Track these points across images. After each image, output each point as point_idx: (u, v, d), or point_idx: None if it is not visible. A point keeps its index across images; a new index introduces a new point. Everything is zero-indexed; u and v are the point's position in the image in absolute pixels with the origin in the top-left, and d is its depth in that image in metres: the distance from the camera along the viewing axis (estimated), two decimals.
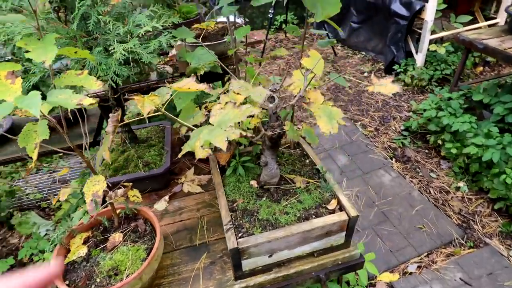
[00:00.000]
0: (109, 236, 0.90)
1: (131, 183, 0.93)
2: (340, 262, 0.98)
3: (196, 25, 1.02)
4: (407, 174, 2.27)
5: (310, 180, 1.02)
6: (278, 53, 1.06)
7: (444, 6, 3.04)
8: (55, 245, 0.86)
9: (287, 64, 3.97)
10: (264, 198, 0.97)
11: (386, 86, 0.87)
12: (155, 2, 1.27)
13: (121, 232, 0.92)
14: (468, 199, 2.06)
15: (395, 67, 3.37)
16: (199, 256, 0.99)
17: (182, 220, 1.12)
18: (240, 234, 0.87)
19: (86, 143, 0.82)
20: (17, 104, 0.50)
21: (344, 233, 0.94)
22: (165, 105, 0.73)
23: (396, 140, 2.56)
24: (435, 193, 2.12)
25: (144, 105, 0.60)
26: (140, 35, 0.87)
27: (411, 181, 2.22)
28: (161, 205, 1.17)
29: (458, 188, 2.13)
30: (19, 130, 0.61)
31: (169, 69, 1.68)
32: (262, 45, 4.20)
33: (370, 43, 3.95)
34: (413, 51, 3.34)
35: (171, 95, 0.78)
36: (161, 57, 1.73)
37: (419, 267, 1.70)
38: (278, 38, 4.69)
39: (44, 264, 0.28)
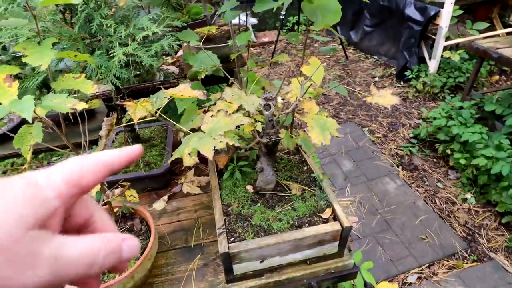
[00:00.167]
0: None
1: (129, 183, 0.95)
2: (332, 271, 0.98)
3: (197, 30, 1.03)
4: (413, 183, 2.24)
5: (306, 188, 1.02)
6: (280, 59, 1.06)
7: (460, 12, 2.98)
8: None
9: (297, 66, 3.95)
10: (259, 204, 0.97)
11: (385, 97, 0.87)
12: (161, 4, 1.29)
13: None
14: (474, 212, 2.02)
15: (407, 72, 3.32)
16: (193, 257, 1.00)
17: (179, 220, 1.13)
18: (232, 239, 0.87)
19: (85, 141, 0.84)
20: (10, 108, 0.52)
21: (337, 243, 0.93)
22: (161, 108, 0.74)
23: (404, 148, 2.53)
24: (441, 204, 2.08)
25: (135, 111, 0.61)
26: (141, 38, 0.89)
27: (417, 190, 2.18)
28: (159, 204, 1.19)
29: (465, 200, 2.09)
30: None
31: (175, 69, 1.70)
32: (273, 46, 4.20)
33: (383, 47, 3.90)
34: (426, 57, 3.28)
35: (169, 99, 0.79)
36: (167, 57, 1.75)
37: (419, 278, 1.67)
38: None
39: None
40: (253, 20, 4.67)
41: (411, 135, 2.66)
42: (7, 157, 1.51)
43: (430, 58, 3.23)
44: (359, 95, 3.31)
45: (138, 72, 1.21)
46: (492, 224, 1.92)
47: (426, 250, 1.79)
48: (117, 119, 1.40)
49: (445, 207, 2.05)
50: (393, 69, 3.66)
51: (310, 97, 0.74)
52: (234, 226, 0.91)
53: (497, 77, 3.34)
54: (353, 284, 1.49)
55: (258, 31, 5.02)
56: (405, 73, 3.34)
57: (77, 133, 1.31)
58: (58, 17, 1.00)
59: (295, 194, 1.00)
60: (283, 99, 0.99)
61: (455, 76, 3.09)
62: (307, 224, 0.91)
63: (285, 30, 4.82)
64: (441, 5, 2.95)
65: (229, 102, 0.67)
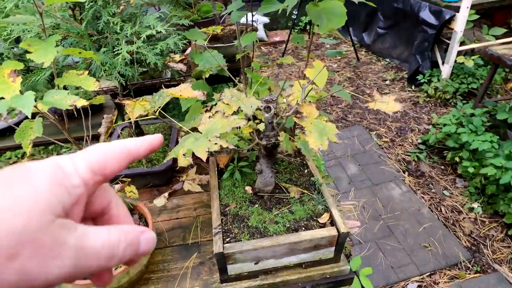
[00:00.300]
0: None
1: (129, 179, 0.96)
2: (328, 276, 0.97)
3: (203, 29, 1.04)
4: (418, 190, 2.20)
5: (305, 191, 1.02)
6: (284, 61, 1.06)
7: (476, 17, 2.91)
8: None
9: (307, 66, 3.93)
10: (257, 205, 0.97)
11: (388, 104, 0.86)
12: (169, 2, 1.30)
13: None
14: (481, 222, 1.98)
15: (419, 77, 3.27)
16: (189, 255, 1.01)
17: (179, 218, 1.14)
18: (228, 239, 0.88)
19: (88, 136, 0.85)
20: (11, 104, 0.53)
21: (333, 248, 0.93)
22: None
23: (412, 153, 2.49)
24: (446, 212, 2.05)
25: (133, 110, 0.62)
26: (144, 38, 0.90)
27: (422, 197, 2.15)
28: (160, 201, 1.20)
29: (471, 209, 2.05)
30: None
31: (183, 67, 1.71)
32: (284, 45, 4.18)
33: (395, 50, 3.85)
34: (440, 61, 3.22)
35: (170, 98, 0.80)
36: (175, 55, 1.76)
37: (419, 286, 1.65)
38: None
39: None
40: (265, 19, 4.66)
41: (419, 140, 2.62)
42: (16, 148, 1.54)
43: (443, 63, 3.17)
44: (367, 99, 3.28)
45: (144, 70, 1.23)
46: (498, 235, 1.88)
47: (428, 259, 1.76)
48: (122, 115, 1.42)
49: (451, 216, 2.02)
50: (404, 72, 3.61)
51: (310, 101, 0.74)
52: (231, 226, 0.92)
53: None
54: None
55: (270, 30, 5.00)
56: (417, 77, 3.29)
57: (84, 126, 1.34)
58: (68, 14, 1.02)
59: (294, 197, 0.99)
60: (288, 104, 0.99)
61: (468, 82, 3.02)
62: (303, 228, 0.91)
63: (297, 30, 4.79)
64: (457, 9, 2.89)
65: (227, 104, 0.67)
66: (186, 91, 0.70)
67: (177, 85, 0.84)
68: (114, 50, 0.90)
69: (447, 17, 2.94)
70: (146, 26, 1.02)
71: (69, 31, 0.95)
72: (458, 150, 2.30)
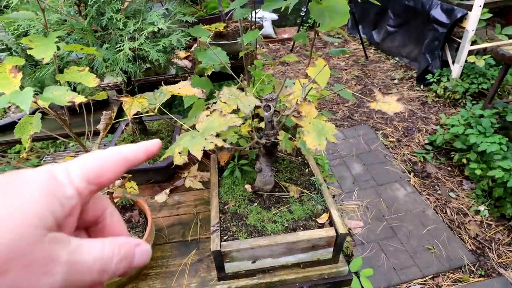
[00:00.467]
0: None
1: (130, 175, 0.97)
2: (326, 277, 0.97)
3: (205, 26, 1.03)
4: (424, 191, 2.18)
5: (305, 191, 1.01)
6: (287, 59, 1.05)
7: (489, 15, 2.85)
8: None
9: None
10: (256, 204, 0.97)
11: (390, 104, 0.84)
12: None
13: None
14: (487, 225, 1.94)
15: (428, 76, 3.22)
16: (188, 251, 1.02)
17: (179, 214, 1.15)
18: (225, 237, 0.88)
19: (89, 131, 0.86)
20: (10, 99, 0.54)
21: (331, 249, 0.92)
22: (160, 105, 0.75)
23: (418, 154, 2.46)
24: (452, 214, 2.02)
25: (131, 107, 0.62)
26: (145, 34, 0.90)
27: (428, 198, 2.12)
28: (161, 197, 1.21)
29: (477, 212, 2.02)
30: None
31: (188, 64, 1.71)
32: (292, 42, 4.15)
33: (405, 48, 3.79)
34: (450, 61, 3.16)
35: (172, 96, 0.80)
36: (179, 52, 1.76)
37: None
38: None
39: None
40: (274, 16, 4.63)
41: (426, 141, 2.58)
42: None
43: (453, 62, 3.11)
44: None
45: (148, 66, 1.23)
46: (504, 239, 1.85)
47: (432, 261, 1.74)
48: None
49: (456, 218, 1.99)
50: (414, 71, 3.56)
51: (309, 101, 0.73)
52: (229, 224, 0.92)
53: None
54: None
55: (278, 27, 4.97)
56: (426, 76, 3.24)
57: (92, 121, 1.35)
58: (73, 10, 1.03)
59: (293, 196, 0.99)
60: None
61: (479, 83, 2.96)
62: (301, 228, 0.91)
63: (305, 27, 4.75)
64: (470, 7, 2.83)
65: (225, 103, 0.67)
66: (185, 89, 0.70)
67: (182, 81, 0.84)
68: (117, 46, 0.91)
69: (459, 15, 2.88)
70: (150, 22, 1.02)
71: (73, 27, 0.96)
72: (466, 152, 2.26)
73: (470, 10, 2.82)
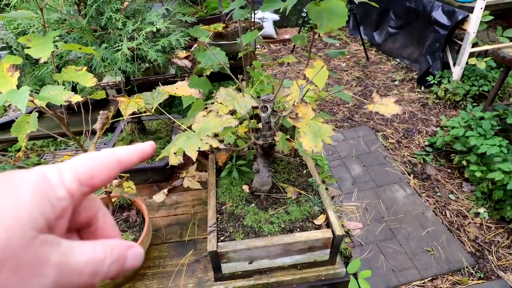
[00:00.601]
0: None
1: (127, 174, 0.97)
2: (323, 278, 0.97)
3: (204, 27, 1.03)
4: (423, 193, 2.17)
5: (303, 192, 1.01)
6: (286, 60, 1.05)
7: (490, 18, 2.84)
8: None
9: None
10: (253, 205, 0.97)
11: (388, 106, 0.84)
12: None
13: None
14: (486, 227, 1.94)
15: (429, 78, 3.21)
16: (185, 252, 1.02)
17: (176, 214, 1.15)
18: (222, 238, 0.88)
19: (87, 130, 0.86)
20: (7, 98, 0.54)
21: (328, 250, 0.92)
22: (157, 105, 0.75)
23: (418, 156, 2.46)
24: (451, 216, 2.01)
25: (127, 107, 0.62)
26: (144, 34, 0.90)
27: (427, 200, 2.12)
28: (159, 197, 1.21)
29: (477, 214, 2.01)
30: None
31: (188, 63, 1.71)
32: (293, 43, 4.15)
33: (406, 50, 3.78)
34: (451, 63, 3.16)
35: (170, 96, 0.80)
36: (179, 51, 1.76)
37: None
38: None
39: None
40: (275, 16, 4.63)
41: (426, 143, 2.58)
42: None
43: (454, 64, 3.11)
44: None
45: (147, 65, 1.23)
46: (504, 242, 1.85)
47: (431, 263, 1.74)
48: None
49: (456, 220, 1.98)
50: (414, 73, 3.55)
51: (306, 102, 0.73)
52: (226, 225, 0.92)
53: None
54: None
55: (280, 28, 4.97)
56: (427, 78, 3.23)
57: (93, 119, 1.35)
58: (72, 9, 1.03)
59: (290, 197, 0.99)
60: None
61: (480, 85, 2.95)
62: (298, 229, 0.91)
63: (307, 28, 4.75)
64: (471, 9, 2.82)
65: (221, 103, 0.67)
66: (182, 89, 0.70)
67: (181, 81, 0.84)
68: (115, 46, 0.91)
69: (460, 17, 2.87)
70: (149, 22, 1.02)
71: (73, 26, 0.96)
72: (466, 154, 2.25)
73: (471, 12, 2.81)
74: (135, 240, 0.91)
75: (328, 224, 0.92)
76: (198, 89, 0.72)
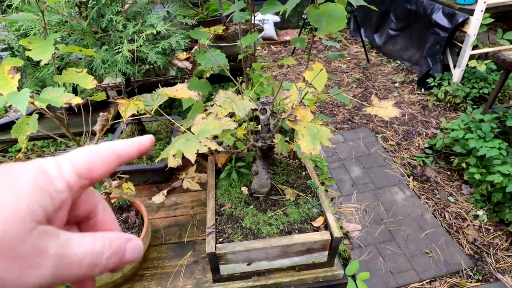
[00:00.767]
0: None
1: (127, 175, 0.97)
2: (321, 280, 0.97)
3: (204, 29, 1.04)
4: (422, 195, 2.18)
5: (301, 194, 1.01)
6: (285, 62, 1.05)
7: (491, 20, 2.84)
8: None
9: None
10: (252, 206, 0.98)
11: (386, 109, 0.85)
12: (175, 1, 1.31)
13: None
14: (485, 230, 1.94)
15: (429, 80, 3.22)
16: (184, 253, 1.02)
17: (176, 215, 1.15)
18: (221, 239, 0.89)
19: (87, 131, 0.87)
20: (7, 100, 0.55)
21: (326, 252, 0.92)
22: (157, 107, 0.76)
23: (417, 158, 2.46)
24: (450, 218, 2.02)
25: (127, 109, 0.63)
26: (144, 37, 0.91)
27: (426, 202, 2.12)
28: (158, 198, 1.22)
29: (476, 217, 2.01)
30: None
31: (188, 65, 1.72)
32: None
33: (407, 52, 3.79)
34: (451, 65, 3.16)
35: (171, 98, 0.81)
36: (183, 52, 1.76)
37: None
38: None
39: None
40: (276, 18, 4.64)
41: (426, 145, 2.58)
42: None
43: (454, 67, 3.11)
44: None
45: (147, 67, 1.24)
46: (502, 244, 1.85)
47: (429, 265, 1.74)
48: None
49: (454, 223, 1.99)
50: (415, 75, 3.56)
51: (305, 105, 0.73)
52: (225, 226, 0.92)
53: None
54: None
55: (280, 29, 4.98)
56: (427, 80, 3.24)
57: (93, 119, 1.35)
58: (74, 11, 1.04)
59: (289, 199, 0.99)
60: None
61: (480, 87, 2.96)
62: (297, 231, 0.91)
63: (307, 29, 4.75)
64: (471, 12, 2.83)
65: (220, 106, 0.67)
66: (181, 91, 0.71)
67: (182, 83, 0.84)
68: (116, 48, 0.91)
69: (460, 20, 2.88)
70: (150, 25, 1.03)
71: (73, 28, 0.97)
72: (465, 156, 2.26)
73: (472, 15, 2.82)
74: None
75: (326, 226, 0.93)
76: (197, 91, 0.73)
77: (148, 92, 0.87)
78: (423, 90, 3.32)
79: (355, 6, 0.83)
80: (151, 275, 0.96)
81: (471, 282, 1.67)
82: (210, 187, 1.04)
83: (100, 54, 0.90)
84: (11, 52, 1.39)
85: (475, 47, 2.98)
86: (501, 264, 1.75)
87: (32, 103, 0.63)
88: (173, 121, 0.88)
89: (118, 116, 1.68)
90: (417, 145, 2.61)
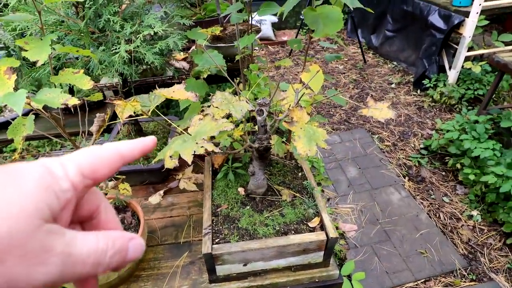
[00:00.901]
0: None
1: (123, 176, 0.97)
2: (317, 280, 0.98)
3: (201, 30, 1.04)
4: (418, 195, 2.19)
5: (297, 195, 1.02)
6: (282, 63, 1.06)
7: (486, 22, 2.87)
8: None
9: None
10: (248, 207, 0.98)
11: (381, 110, 0.85)
12: (172, 1, 1.31)
13: None
14: (479, 230, 1.96)
15: (425, 81, 3.24)
16: (180, 253, 1.02)
17: (172, 216, 1.16)
18: (217, 240, 0.89)
19: (84, 132, 0.87)
20: (3, 101, 0.54)
21: (322, 253, 0.93)
22: (155, 107, 0.76)
23: (413, 158, 2.48)
24: (445, 219, 2.03)
25: (124, 110, 0.63)
26: (141, 37, 0.91)
27: (421, 202, 2.14)
28: (155, 198, 1.22)
29: (470, 217, 2.03)
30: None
31: (185, 65, 1.72)
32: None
33: (403, 53, 3.81)
34: (447, 66, 3.18)
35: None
36: (180, 52, 1.76)
37: None
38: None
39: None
40: (274, 18, 4.65)
41: (421, 145, 2.60)
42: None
43: (450, 68, 3.14)
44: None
45: (145, 67, 1.24)
46: (496, 244, 1.87)
47: (424, 265, 1.76)
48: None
49: (449, 223, 2.00)
50: (411, 76, 3.58)
51: (301, 106, 0.74)
52: (221, 227, 0.92)
53: None
54: None
55: (278, 30, 4.99)
56: (423, 81, 3.26)
57: (90, 120, 1.35)
58: (71, 11, 1.03)
59: (285, 200, 1.00)
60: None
61: (475, 88, 2.98)
62: (293, 232, 0.92)
63: (305, 30, 4.76)
64: (467, 13, 2.85)
65: (217, 107, 0.68)
66: (179, 92, 0.71)
67: (179, 83, 0.85)
68: (113, 48, 0.91)
69: (456, 22, 2.90)
70: (147, 25, 1.03)
71: (70, 28, 0.97)
72: (460, 157, 2.28)
73: (467, 17, 2.84)
74: None
75: (322, 227, 0.93)
76: (194, 92, 0.73)
77: (145, 92, 0.87)
78: (419, 91, 3.35)
79: (352, 8, 0.84)
80: (147, 276, 0.96)
81: (465, 282, 1.69)
82: (206, 187, 1.04)
83: (97, 54, 0.90)
84: (6, 51, 1.38)
85: (470, 48, 3.00)
86: (494, 263, 1.77)
87: (29, 103, 0.63)
88: (170, 121, 0.88)
89: (114, 116, 1.67)
90: (413, 145, 2.63)
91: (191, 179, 1.28)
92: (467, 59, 3.04)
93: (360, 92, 3.39)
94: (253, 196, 1.01)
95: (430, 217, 2.04)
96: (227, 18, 1.83)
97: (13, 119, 0.68)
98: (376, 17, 4.11)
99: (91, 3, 0.87)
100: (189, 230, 1.10)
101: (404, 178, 2.33)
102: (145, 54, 0.95)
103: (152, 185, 1.28)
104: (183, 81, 0.83)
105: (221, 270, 0.90)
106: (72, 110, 0.87)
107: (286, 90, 0.96)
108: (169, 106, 2.23)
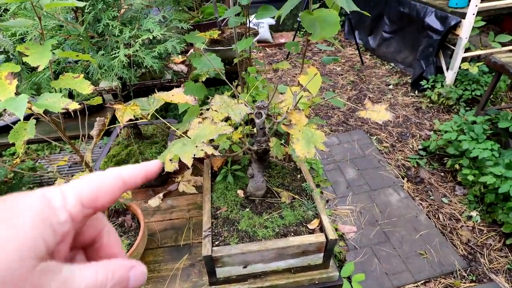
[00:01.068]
0: None
1: None
2: (317, 282, 0.98)
3: (200, 34, 1.05)
4: (417, 196, 2.20)
5: (296, 196, 1.02)
6: (280, 66, 1.06)
7: (482, 23, 2.89)
8: None
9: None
10: (248, 209, 0.99)
11: (379, 112, 0.86)
12: (171, 3, 1.32)
13: None
14: (479, 230, 1.97)
15: (423, 82, 3.25)
16: (180, 256, 1.03)
17: (172, 219, 1.16)
18: (217, 242, 0.89)
19: (84, 135, 0.87)
20: (5, 106, 0.55)
21: (322, 254, 0.93)
22: (154, 111, 0.77)
23: (412, 159, 2.48)
24: (444, 220, 2.04)
25: (123, 114, 0.63)
26: (140, 42, 0.91)
27: (420, 203, 2.14)
28: (154, 201, 1.22)
29: (470, 217, 2.04)
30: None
31: (184, 68, 1.73)
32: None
33: (400, 54, 3.83)
34: (444, 67, 3.20)
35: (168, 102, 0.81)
36: (178, 55, 1.77)
37: None
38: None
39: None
40: (271, 20, 4.67)
41: (420, 146, 2.61)
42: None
43: (447, 69, 3.15)
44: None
45: (144, 71, 1.24)
46: (496, 245, 1.87)
47: (424, 266, 1.76)
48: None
49: (448, 224, 2.01)
50: (408, 77, 3.59)
51: (299, 109, 0.75)
52: (221, 229, 0.93)
53: None
54: None
55: (276, 32, 5.01)
56: (421, 82, 3.27)
57: (90, 123, 1.35)
58: (70, 16, 1.04)
59: (285, 202, 1.00)
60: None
61: (472, 89, 3.00)
62: (292, 234, 0.92)
63: (302, 32, 4.78)
64: (463, 15, 2.87)
65: (216, 111, 0.68)
66: (178, 96, 0.71)
67: (178, 86, 0.85)
68: (112, 53, 0.92)
69: (453, 23, 2.92)
70: (146, 29, 1.03)
71: (70, 33, 0.97)
72: (459, 158, 2.28)
73: (464, 18, 2.86)
74: (130, 244, 0.92)
75: (321, 229, 0.94)
76: (193, 95, 0.73)
77: (144, 95, 0.88)
78: (416, 92, 3.36)
79: (349, 12, 0.85)
80: (147, 279, 0.96)
81: (465, 283, 1.69)
82: (206, 190, 1.05)
83: (97, 59, 0.90)
84: (6, 56, 1.39)
85: (467, 49, 3.02)
86: (494, 264, 1.78)
87: (30, 108, 0.64)
88: (169, 125, 0.89)
89: (113, 120, 1.68)
90: (411, 146, 2.64)
91: (191, 182, 1.29)
92: (464, 60, 3.06)
93: (358, 93, 3.40)
94: (252, 198, 1.02)
95: (429, 218, 2.04)
96: (225, 21, 1.84)
97: (13, 123, 0.69)
98: (373, 19, 4.13)
99: (90, 8, 0.88)
100: (189, 233, 1.10)
101: (403, 179, 2.34)
102: (144, 58, 0.95)
103: (151, 188, 1.28)
104: (182, 84, 0.84)
105: (221, 272, 0.90)
106: (72, 114, 0.88)
107: (284, 93, 0.97)
108: (167, 108, 2.24)
